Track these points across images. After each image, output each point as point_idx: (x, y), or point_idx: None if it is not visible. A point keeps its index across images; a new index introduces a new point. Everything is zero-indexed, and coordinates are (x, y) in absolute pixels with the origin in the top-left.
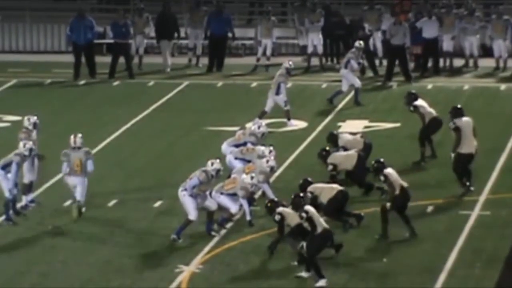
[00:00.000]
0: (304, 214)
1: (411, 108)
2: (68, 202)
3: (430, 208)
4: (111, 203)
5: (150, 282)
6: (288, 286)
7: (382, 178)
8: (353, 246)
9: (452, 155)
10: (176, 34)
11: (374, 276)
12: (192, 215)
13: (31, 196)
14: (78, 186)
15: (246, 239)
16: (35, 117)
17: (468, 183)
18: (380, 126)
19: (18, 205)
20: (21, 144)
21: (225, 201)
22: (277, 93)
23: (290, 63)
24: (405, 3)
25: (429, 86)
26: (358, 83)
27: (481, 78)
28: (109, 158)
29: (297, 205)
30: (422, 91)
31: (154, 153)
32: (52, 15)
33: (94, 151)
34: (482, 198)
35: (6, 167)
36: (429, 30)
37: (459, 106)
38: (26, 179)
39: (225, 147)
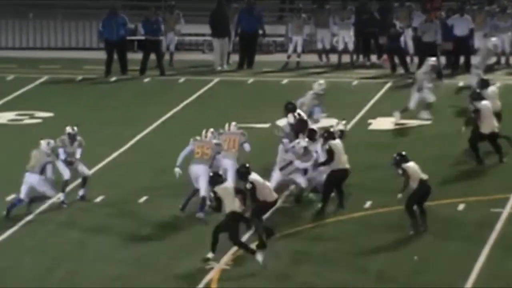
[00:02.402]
0: (249, 185)
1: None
2: (98, 199)
3: (461, 206)
4: (142, 199)
5: (180, 279)
6: (318, 284)
7: (400, 171)
8: (384, 243)
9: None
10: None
11: (405, 274)
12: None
13: (82, 191)
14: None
15: (277, 236)
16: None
17: (500, 157)
18: (410, 123)
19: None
20: (43, 143)
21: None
22: (420, 90)
23: (433, 59)
24: (436, 1)
25: (461, 83)
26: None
27: None
28: (140, 155)
29: (243, 176)
30: (453, 88)
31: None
32: (83, 12)
33: (124, 147)
34: None
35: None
36: (461, 27)
37: (478, 90)
38: (66, 176)
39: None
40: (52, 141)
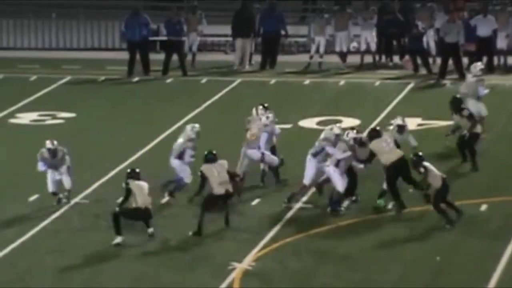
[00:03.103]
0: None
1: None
2: (121, 198)
3: (484, 207)
4: (164, 200)
5: (202, 279)
6: (340, 285)
7: (422, 169)
8: (406, 243)
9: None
10: (252, 33)
11: (427, 274)
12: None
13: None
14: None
15: (298, 236)
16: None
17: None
18: (433, 124)
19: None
20: (188, 127)
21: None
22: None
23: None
24: (458, 1)
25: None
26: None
27: None
28: (162, 155)
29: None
30: None
31: (206, 150)
32: (105, 12)
33: (147, 148)
34: None
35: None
36: (483, 27)
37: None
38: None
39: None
40: (197, 125)
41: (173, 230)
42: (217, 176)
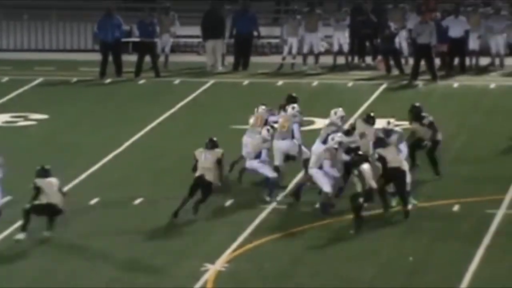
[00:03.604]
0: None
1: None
2: (94, 201)
3: (456, 207)
4: (137, 201)
5: (176, 281)
6: (315, 285)
7: (356, 172)
8: (381, 244)
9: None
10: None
11: (400, 275)
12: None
13: None
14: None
15: (273, 237)
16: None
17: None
18: (406, 124)
19: None
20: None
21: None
22: None
23: None
24: (430, 1)
25: (455, 85)
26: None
27: (508, 77)
28: (135, 157)
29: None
30: (448, 90)
31: (180, 151)
32: (78, 13)
33: (120, 149)
34: (508, 197)
35: None
36: (455, 28)
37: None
38: None
39: (317, 147)
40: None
41: (146, 232)
42: (202, 161)
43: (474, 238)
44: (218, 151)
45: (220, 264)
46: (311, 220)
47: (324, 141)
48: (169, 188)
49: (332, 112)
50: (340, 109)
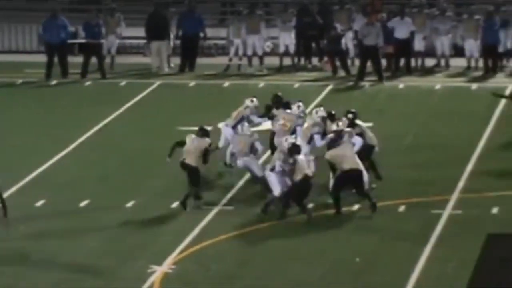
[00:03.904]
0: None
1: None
2: (40, 203)
3: (402, 208)
4: (84, 203)
5: (123, 283)
6: (263, 286)
7: (291, 160)
8: (327, 245)
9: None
10: (167, 35)
11: (348, 275)
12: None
13: None
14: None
15: (219, 238)
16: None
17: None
18: None
19: None
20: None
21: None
22: None
23: None
24: (376, 2)
25: (401, 86)
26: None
27: (453, 77)
28: (82, 159)
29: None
30: (394, 91)
31: (127, 152)
32: (23, 14)
33: (66, 151)
34: (454, 197)
35: None
36: (401, 30)
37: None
38: None
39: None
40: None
41: (93, 234)
42: (188, 145)
43: (421, 238)
44: (206, 141)
45: (167, 265)
46: (258, 221)
47: (309, 142)
48: (116, 189)
49: (314, 111)
50: (322, 108)
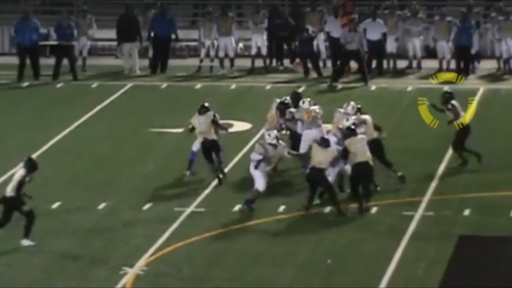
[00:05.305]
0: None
1: (449, 106)
2: None
3: (374, 209)
4: (55, 205)
5: (94, 284)
6: (234, 286)
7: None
8: (299, 245)
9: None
10: (138, 37)
11: (320, 276)
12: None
13: None
14: None
15: (191, 240)
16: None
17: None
18: (326, 127)
19: None
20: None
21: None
22: None
23: None
24: (347, 4)
25: (373, 87)
26: None
27: (425, 79)
28: (54, 160)
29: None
30: (365, 92)
31: (99, 154)
32: None
33: (38, 153)
34: (425, 199)
35: None
36: (373, 31)
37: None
38: None
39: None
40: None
41: (64, 235)
42: (199, 127)
43: (392, 239)
44: (210, 113)
45: (138, 267)
46: (229, 223)
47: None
48: (87, 191)
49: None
50: (352, 103)
